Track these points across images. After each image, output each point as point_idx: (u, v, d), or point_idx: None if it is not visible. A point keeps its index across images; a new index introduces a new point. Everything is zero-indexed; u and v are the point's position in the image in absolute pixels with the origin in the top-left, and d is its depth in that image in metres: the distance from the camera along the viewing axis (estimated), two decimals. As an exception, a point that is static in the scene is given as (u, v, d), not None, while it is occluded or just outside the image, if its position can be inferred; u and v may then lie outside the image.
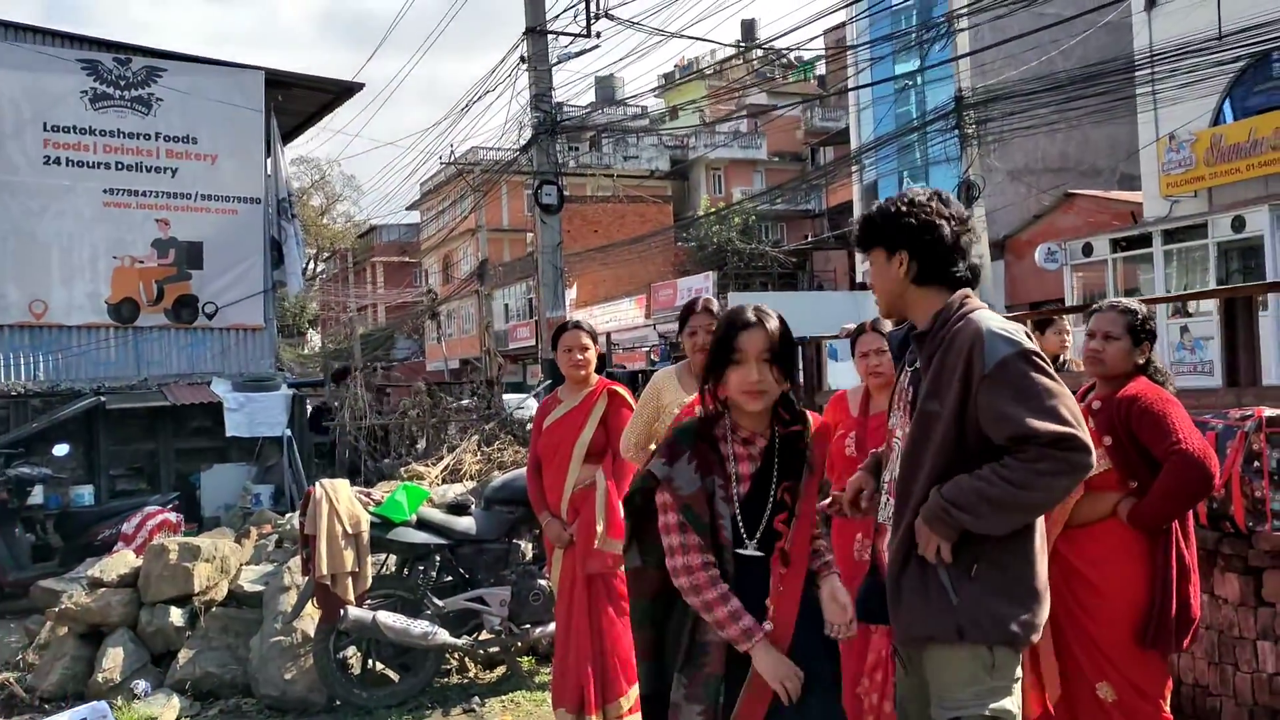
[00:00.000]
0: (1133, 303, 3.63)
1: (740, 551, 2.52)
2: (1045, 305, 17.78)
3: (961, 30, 18.80)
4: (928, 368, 2.48)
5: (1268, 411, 4.08)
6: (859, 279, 28.22)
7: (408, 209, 53.05)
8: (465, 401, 10.32)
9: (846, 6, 22.55)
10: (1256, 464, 4.04)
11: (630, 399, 4.81)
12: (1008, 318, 2.76)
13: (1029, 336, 2.47)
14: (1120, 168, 23.54)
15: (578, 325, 4.94)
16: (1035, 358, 2.40)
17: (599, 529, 4.68)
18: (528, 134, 16.24)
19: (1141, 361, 3.49)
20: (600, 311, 34.16)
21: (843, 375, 7.52)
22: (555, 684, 4.80)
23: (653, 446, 4.39)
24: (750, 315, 2.58)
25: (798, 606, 2.53)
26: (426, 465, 7.54)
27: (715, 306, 4.35)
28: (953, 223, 2.59)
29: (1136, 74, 18.29)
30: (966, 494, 2.34)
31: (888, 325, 4.18)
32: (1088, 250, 19.65)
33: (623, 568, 4.78)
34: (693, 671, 2.54)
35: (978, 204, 17.27)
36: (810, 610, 2.57)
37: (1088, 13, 16.56)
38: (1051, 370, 2.42)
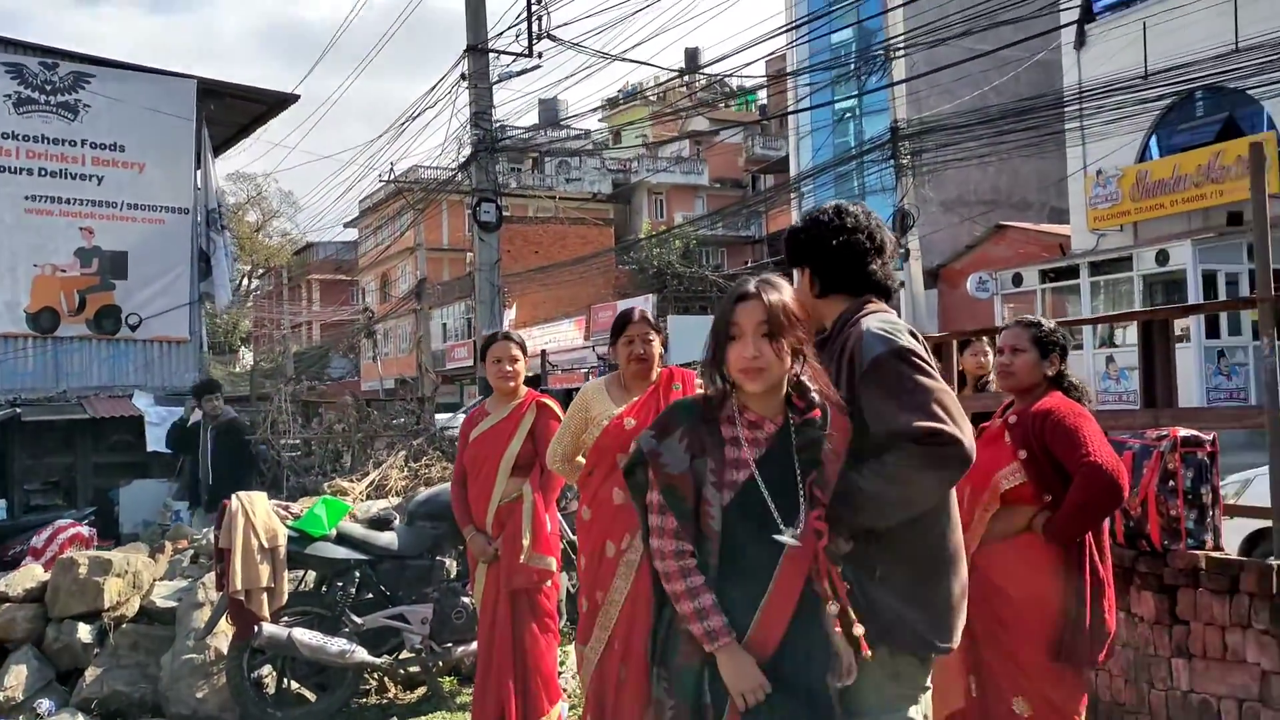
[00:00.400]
0: (1038, 317, 3.71)
1: (779, 539, 2.24)
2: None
3: (899, 56, 19.10)
4: (829, 372, 2.47)
5: (1182, 432, 4.15)
6: (796, 305, 28.42)
7: (346, 226, 52.54)
8: (399, 421, 10.16)
9: (787, 30, 22.86)
10: (1171, 483, 4.11)
11: (559, 411, 4.75)
12: (927, 337, 2.77)
13: (913, 336, 2.47)
14: (1049, 201, 24.10)
15: (507, 336, 4.89)
16: (911, 355, 2.39)
17: (525, 543, 4.61)
18: (468, 152, 16.18)
19: (1052, 373, 3.54)
20: (539, 332, 34.05)
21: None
22: (476, 703, 4.71)
23: (580, 459, 4.35)
24: (750, 286, 2.36)
25: (791, 609, 2.27)
26: (351, 481, 7.39)
27: (651, 316, 4.34)
28: (850, 234, 2.62)
29: (1066, 110, 18.75)
30: (847, 489, 2.32)
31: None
32: (1018, 280, 20.05)
33: (548, 582, 4.77)
34: (669, 662, 2.35)
35: (912, 233, 17.51)
36: (810, 616, 2.30)
37: (1016, 43, 16.93)
38: (930, 368, 2.40)
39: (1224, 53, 15.77)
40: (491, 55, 15.39)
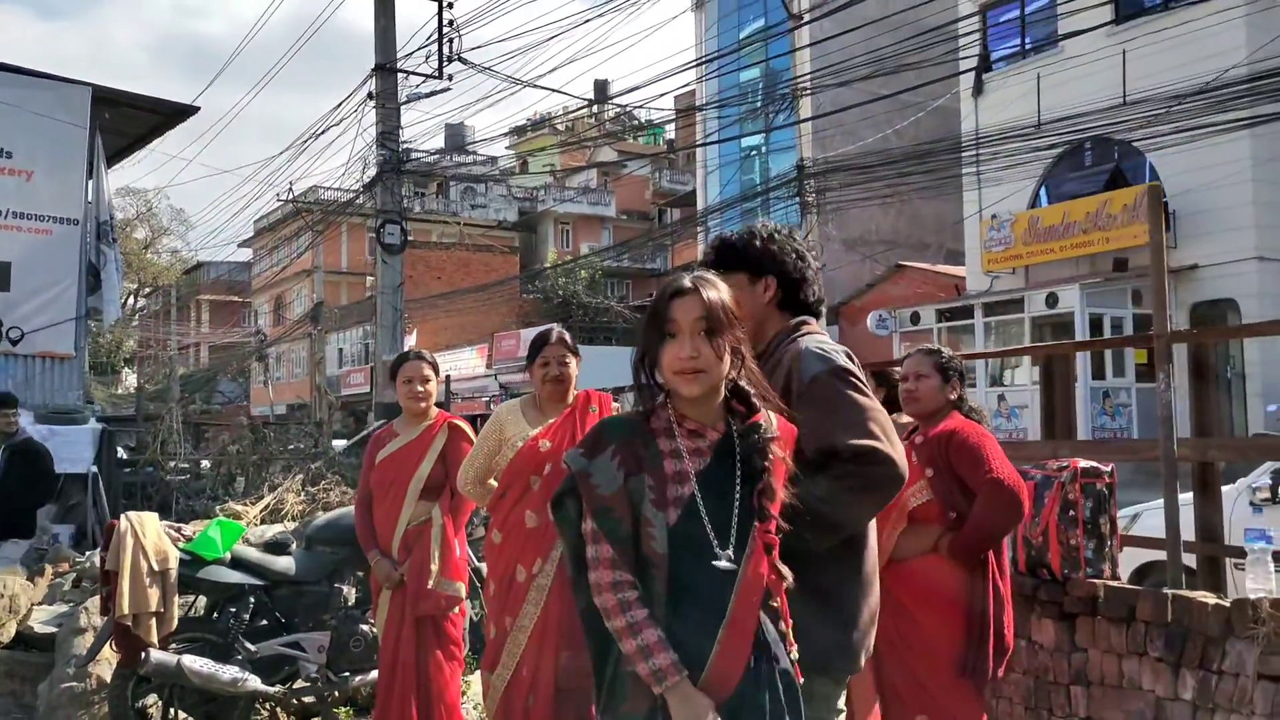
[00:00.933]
0: (939, 345, 3.87)
1: (716, 564, 2.04)
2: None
3: (805, 94, 19.54)
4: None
5: (1082, 463, 4.26)
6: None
7: (240, 245, 51.26)
8: (296, 446, 9.88)
9: (695, 65, 23.18)
10: (1072, 513, 4.21)
11: (470, 433, 4.67)
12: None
13: (849, 358, 2.49)
14: (946, 243, 24.82)
15: (419, 355, 4.79)
16: (849, 375, 2.41)
17: (433, 568, 4.50)
18: (372, 173, 15.97)
19: (954, 398, 3.72)
20: (441, 359, 33.53)
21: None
22: (376, 731, 4.55)
23: (492, 482, 4.27)
24: (686, 281, 2.16)
25: (751, 638, 2.07)
26: (245, 504, 7.12)
27: (569, 338, 4.30)
28: (802, 255, 2.69)
29: (963, 155, 19.39)
30: (791, 507, 2.29)
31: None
32: (915, 319, 20.56)
33: (455, 609, 4.65)
34: (614, 709, 2.10)
35: (815, 269, 17.82)
36: (769, 648, 2.12)
37: (916, 86, 17.45)
38: (866, 389, 2.43)
39: (1112, 106, 16.52)
40: (400, 75, 15.27)
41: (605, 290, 39.59)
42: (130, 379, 53.01)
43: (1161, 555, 4.99)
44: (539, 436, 4.11)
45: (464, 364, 33.57)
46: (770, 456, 2.12)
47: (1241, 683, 3.60)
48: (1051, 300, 17.83)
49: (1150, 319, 15.18)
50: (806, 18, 19.03)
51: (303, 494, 7.23)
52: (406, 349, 14.76)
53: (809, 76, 18.00)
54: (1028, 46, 20.61)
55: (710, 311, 2.10)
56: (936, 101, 20.43)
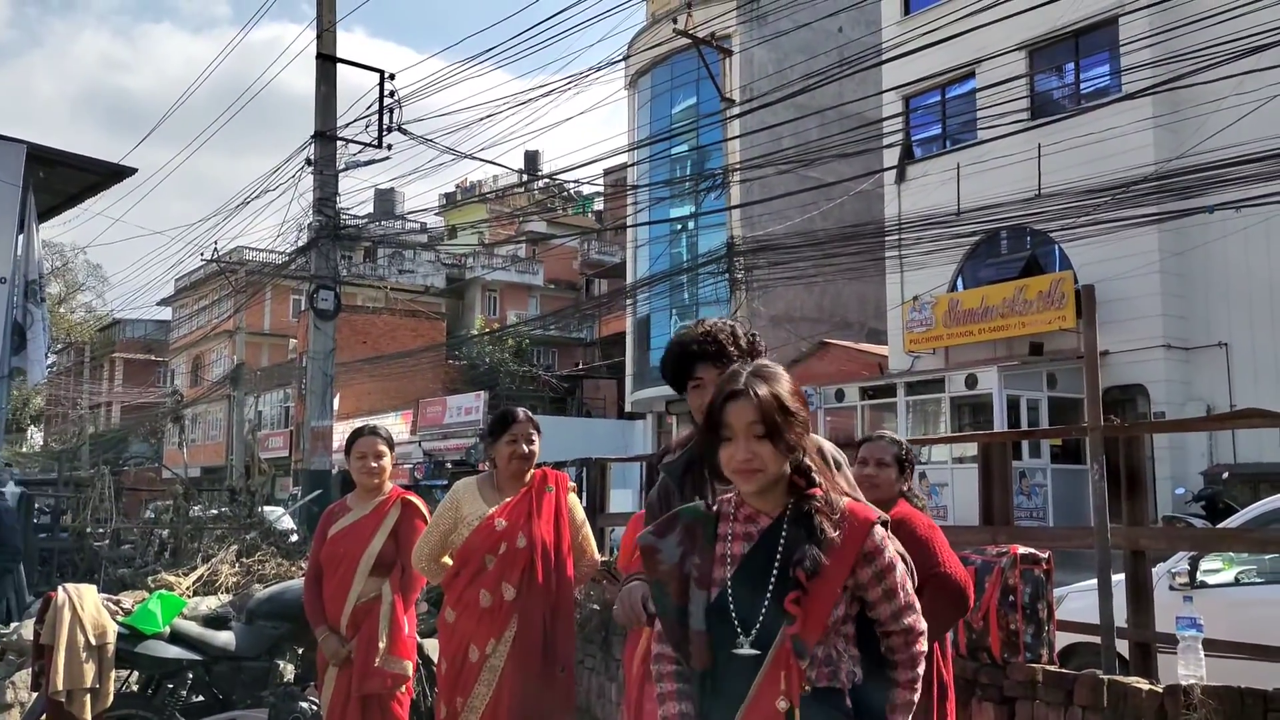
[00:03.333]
0: (898, 436, 4.00)
1: (735, 651, 2.08)
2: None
3: (735, 176, 20.07)
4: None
5: (1022, 550, 4.43)
6: (627, 408, 28.81)
7: (159, 304, 50.24)
8: (219, 510, 9.67)
9: (630, 150, 23.64)
10: (1012, 598, 4.36)
11: (425, 511, 4.67)
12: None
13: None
14: (868, 322, 25.46)
15: (374, 431, 4.79)
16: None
17: (381, 646, 4.46)
18: (304, 237, 15.91)
19: (905, 488, 3.83)
20: (362, 425, 33.21)
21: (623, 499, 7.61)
22: (318, 814, 4.47)
23: (446, 560, 4.27)
24: (739, 382, 2.17)
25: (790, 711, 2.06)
26: (178, 575, 6.96)
27: (533, 417, 4.34)
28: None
29: (886, 239, 20.03)
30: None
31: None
32: (840, 396, 20.96)
33: (402, 688, 4.61)
34: None
35: (744, 345, 18.12)
36: None
37: (846, 179, 18.04)
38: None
39: (1028, 198, 17.25)
40: (339, 143, 15.33)
41: (532, 358, 39.57)
42: (36, 437, 51.22)
43: (1085, 638, 5.18)
44: (495, 515, 4.13)
45: (389, 429, 33.20)
46: (819, 531, 2.12)
47: (1175, 767, 3.74)
48: (971, 381, 18.35)
49: (1065, 402, 15.63)
50: (738, 107, 19.60)
51: (237, 565, 7.09)
52: (332, 427, 14.74)
53: (740, 164, 18.47)
54: (948, 139, 21.46)
55: (765, 414, 2.11)
56: (861, 187, 21.12)
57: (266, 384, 43.67)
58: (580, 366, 40.54)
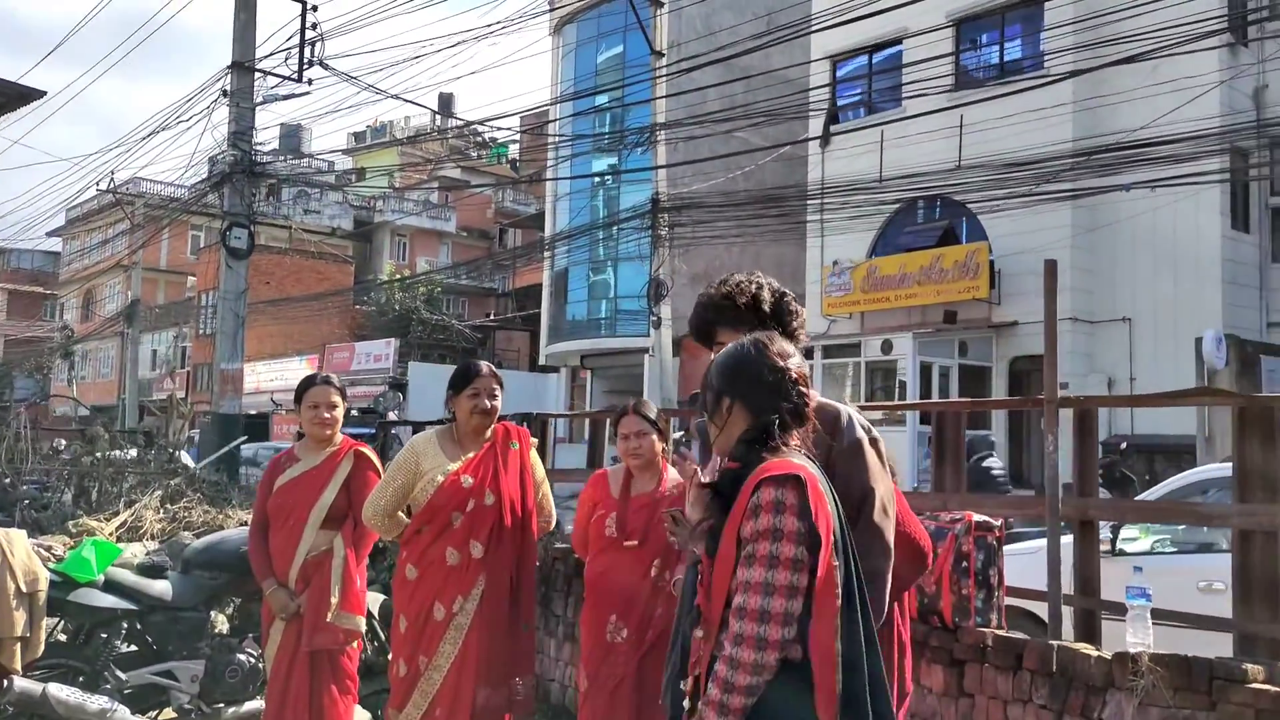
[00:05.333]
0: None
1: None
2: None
3: (660, 135, 19.92)
4: None
5: (976, 517, 4.52)
6: (541, 361, 28.66)
7: (49, 235, 48.04)
8: (134, 453, 9.33)
9: (555, 104, 23.29)
10: (964, 564, 4.45)
11: (379, 463, 4.56)
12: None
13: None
14: (787, 285, 25.65)
15: (326, 380, 4.65)
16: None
17: (333, 600, 4.36)
18: (206, 170, 15.34)
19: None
20: (265, 369, 32.42)
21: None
22: (261, 769, 4.37)
23: (402, 515, 4.17)
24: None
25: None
26: (100, 520, 6.69)
27: (497, 371, 4.24)
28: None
29: (809, 203, 20.18)
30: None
31: (650, 407, 4.28)
32: (756, 356, 21.12)
33: (354, 643, 4.52)
34: None
35: (665, 302, 18.16)
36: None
37: (772, 147, 18.07)
38: None
39: (949, 169, 17.54)
40: (257, 75, 14.76)
41: (444, 307, 39.02)
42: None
43: (1015, 601, 5.33)
44: (460, 471, 4.05)
45: (292, 374, 32.40)
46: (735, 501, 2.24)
47: (1120, 730, 3.88)
48: (886, 347, 18.70)
49: (975, 369, 15.97)
50: (666, 65, 19.43)
51: (163, 512, 6.84)
52: (242, 369, 14.31)
53: (667, 123, 18.35)
54: (873, 108, 21.64)
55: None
56: (784, 148, 21.18)
57: (162, 322, 42.27)
58: (490, 316, 40.10)
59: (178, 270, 45.19)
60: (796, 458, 2.23)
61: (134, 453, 9.68)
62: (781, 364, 2.32)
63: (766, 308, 2.82)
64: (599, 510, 4.19)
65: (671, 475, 4.09)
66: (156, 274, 44.50)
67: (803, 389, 2.32)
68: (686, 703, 2.28)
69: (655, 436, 4.11)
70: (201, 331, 37.79)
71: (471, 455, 4.10)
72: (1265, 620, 3.99)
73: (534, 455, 4.34)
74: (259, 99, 14.90)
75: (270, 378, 32.32)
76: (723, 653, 2.14)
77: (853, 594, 2.21)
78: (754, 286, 2.84)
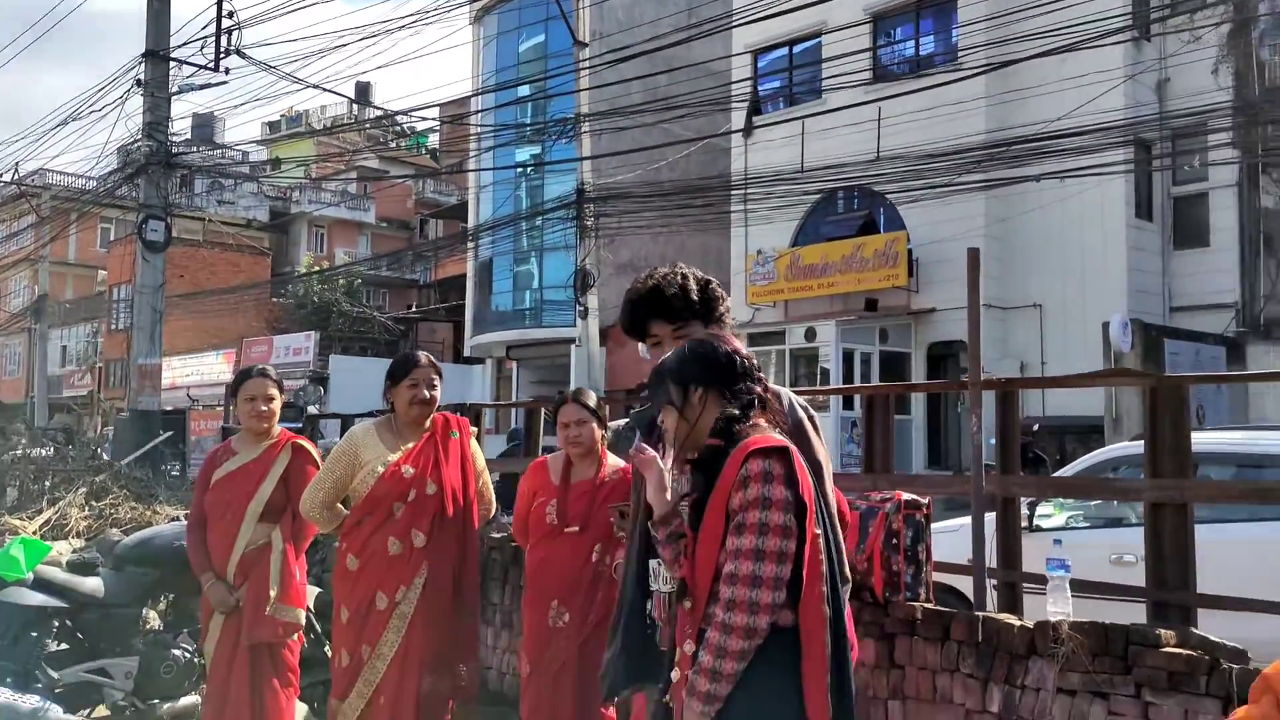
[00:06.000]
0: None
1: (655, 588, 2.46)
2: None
3: (586, 125, 19.91)
4: None
5: (905, 496, 4.68)
6: (466, 353, 28.49)
7: (-52, 226, 46.22)
8: (51, 450, 9.09)
9: (477, 95, 23.12)
10: (895, 541, 4.61)
11: (317, 455, 4.55)
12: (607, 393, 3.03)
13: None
14: (710, 274, 25.86)
15: (263, 372, 4.63)
16: None
17: (272, 593, 4.35)
18: (119, 161, 14.98)
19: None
20: (181, 364, 31.66)
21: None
22: (202, 763, 4.35)
23: (340, 506, 4.19)
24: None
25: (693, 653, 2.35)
26: (22, 519, 6.52)
27: (436, 361, 4.28)
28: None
29: (733, 193, 20.40)
30: None
31: (590, 396, 4.36)
32: (681, 346, 21.29)
33: (294, 636, 4.51)
34: None
35: (592, 292, 18.17)
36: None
37: (697, 140, 18.19)
38: None
39: (868, 159, 17.87)
40: (172, 65, 14.44)
41: (365, 298, 38.48)
42: None
43: (939, 577, 5.53)
44: (401, 461, 4.08)
45: (208, 370, 31.75)
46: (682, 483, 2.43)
47: (1042, 697, 4.07)
48: (810, 334, 19.01)
49: (895, 355, 16.31)
50: (589, 50, 19.42)
51: (88, 509, 6.70)
52: (160, 364, 14.00)
53: (591, 114, 18.36)
54: (794, 100, 21.93)
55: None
56: (707, 138, 21.34)
57: (72, 317, 41.04)
58: (412, 308, 39.67)
59: (88, 264, 43.89)
60: (775, 434, 2.36)
61: (51, 450, 9.46)
62: (742, 353, 2.46)
63: (694, 296, 2.89)
64: (539, 498, 4.26)
65: (611, 462, 4.17)
66: (65, 268, 43.17)
67: (759, 375, 2.45)
68: (675, 673, 2.34)
69: (595, 424, 4.19)
70: (114, 327, 36.77)
71: (412, 445, 4.13)
72: (1176, 588, 4.21)
73: (474, 444, 4.39)
74: (174, 89, 14.58)
75: (186, 373, 31.61)
76: (715, 619, 2.23)
77: (832, 560, 2.31)
78: (679, 277, 2.92)
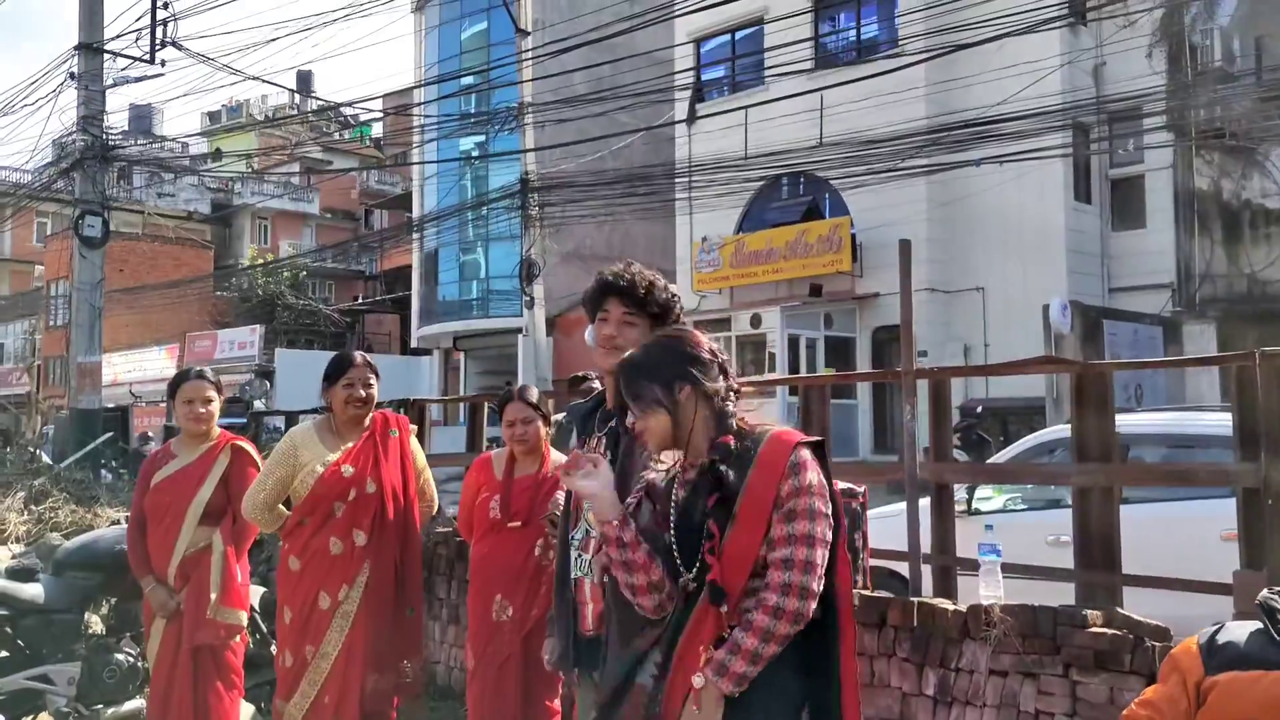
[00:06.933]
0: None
1: (679, 584, 2.30)
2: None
3: (528, 117, 19.84)
4: None
5: (841, 484, 4.75)
6: (413, 344, 28.32)
7: (-124, 222, 44.96)
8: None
9: (422, 85, 22.90)
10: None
11: (257, 457, 4.54)
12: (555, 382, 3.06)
13: None
14: (655, 261, 25.92)
15: (201, 375, 4.60)
16: None
17: (213, 596, 4.34)
18: (54, 155, 14.72)
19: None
20: (123, 360, 31.11)
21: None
22: (146, 768, 4.34)
23: (281, 508, 4.19)
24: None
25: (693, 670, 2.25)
26: (-41, 525, 6.43)
27: (371, 361, 4.28)
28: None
29: (677, 180, 20.45)
30: None
31: (534, 393, 4.39)
32: (628, 334, 21.33)
33: (236, 638, 4.51)
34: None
35: (537, 282, 18.16)
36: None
37: (641, 130, 18.19)
38: None
39: (811, 145, 18.01)
40: (107, 56, 14.19)
41: (310, 290, 38.05)
42: None
43: (878, 562, 5.63)
44: (340, 461, 4.09)
45: (151, 365, 31.24)
46: (726, 479, 2.26)
47: (975, 679, 4.18)
48: (755, 321, 19.15)
49: (840, 341, 16.44)
50: (531, 40, 19.35)
51: (26, 513, 6.60)
52: (100, 362, 13.79)
53: (534, 104, 18.30)
54: (737, 87, 22.01)
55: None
56: (652, 126, 21.39)
57: (8, 315, 40.16)
58: (359, 299, 39.31)
59: (24, 260, 42.95)
60: (778, 427, 2.36)
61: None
62: (713, 347, 2.46)
63: (659, 297, 2.90)
64: (483, 493, 4.30)
65: (555, 458, 4.22)
66: (1, 264, 42.23)
67: (728, 366, 2.46)
68: (698, 679, 2.21)
69: (540, 422, 4.23)
70: (53, 323, 36.04)
71: (351, 445, 4.15)
72: (1103, 569, 4.34)
73: (414, 442, 4.40)
74: (109, 81, 14.34)
75: (128, 369, 31.09)
76: (765, 604, 2.18)
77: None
78: (654, 276, 2.95)
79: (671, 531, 2.30)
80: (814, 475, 2.24)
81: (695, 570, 2.23)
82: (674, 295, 2.96)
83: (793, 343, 18.91)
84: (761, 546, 2.21)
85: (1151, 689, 2.25)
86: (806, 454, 2.27)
